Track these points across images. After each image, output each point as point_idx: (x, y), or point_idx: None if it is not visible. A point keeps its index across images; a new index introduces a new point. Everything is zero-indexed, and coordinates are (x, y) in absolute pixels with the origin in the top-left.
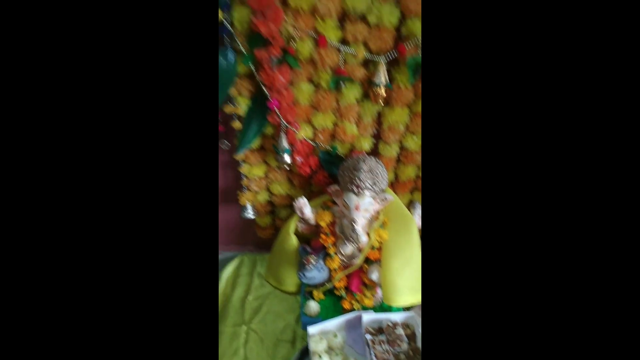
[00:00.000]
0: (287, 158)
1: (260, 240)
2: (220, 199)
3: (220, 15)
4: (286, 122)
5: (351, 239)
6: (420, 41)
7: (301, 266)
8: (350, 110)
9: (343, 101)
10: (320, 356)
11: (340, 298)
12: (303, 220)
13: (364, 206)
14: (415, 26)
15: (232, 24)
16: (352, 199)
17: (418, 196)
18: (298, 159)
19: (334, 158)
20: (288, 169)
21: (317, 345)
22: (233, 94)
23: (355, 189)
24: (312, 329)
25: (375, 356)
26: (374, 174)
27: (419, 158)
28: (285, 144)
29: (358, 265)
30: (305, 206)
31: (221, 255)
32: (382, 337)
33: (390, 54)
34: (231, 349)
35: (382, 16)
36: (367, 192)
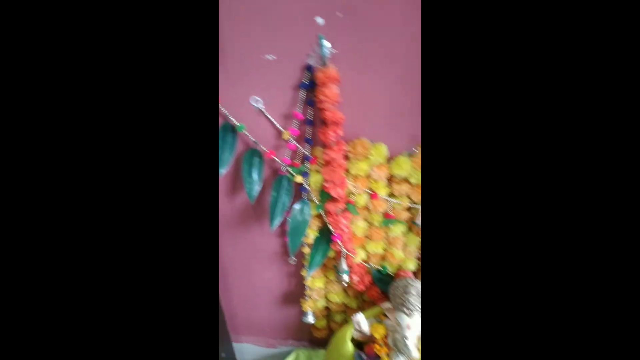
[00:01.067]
0: (345, 278)
1: (314, 337)
2: (283, 300)
3: (302, 179)
4: (346, 250)
5: (404, 353)
6: None
7: None
8: (397, 241)
9: (391, 234)
10: None
11: None
12: (359, 330)
13: (415, 325)
14: None
15: (309, 185)
16: (404, 319)
17: None
18: (355, 278)
19: (384, 276)
20: (346, 285)
21: None
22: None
23: (406, 310)
24: None
25: None
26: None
27: None
28: (344, 266)
29: None
30: (362, 321)
31: (278, 349)
32: None
33: None
34: None
35: (420, 179)
36: (416, 313)
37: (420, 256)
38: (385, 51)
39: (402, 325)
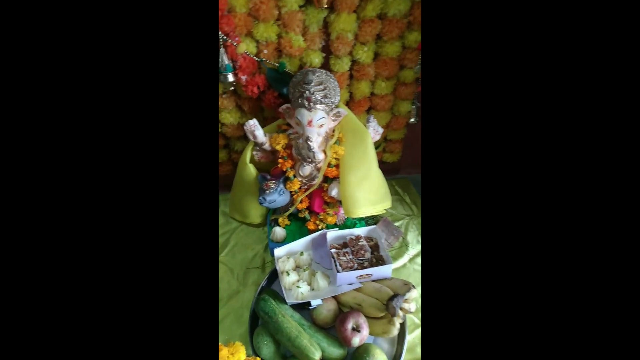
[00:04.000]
0: (230, 77)
1: (219, 179)
2: None
3: None
4: (223, 33)
5: (308, 158)
6: None
7: (261, 191)
8: (294, 19)
9: (284, 7)
10: (288, 273)
11: (305, 221)
12: (258, 146)
13: (317, 121)
14: None
15: None
16: (305, 115)
17: (374, 114)
18: (242, 77)
19: (282, 75)
20: (232, 89)
21: (284, 265)
22: None
23: (306, 103)
24: (278, 252)
25: (340, 265)
26: (325, 87)
27: (372, 72)
28: (225, 60)
29: (318, 183)
30: (256, 128)
31: None
32: (347, 250)
33: None
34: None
35: None
36: (319, 107)
37: (325, 45)
38: None
39: (302, 123)
